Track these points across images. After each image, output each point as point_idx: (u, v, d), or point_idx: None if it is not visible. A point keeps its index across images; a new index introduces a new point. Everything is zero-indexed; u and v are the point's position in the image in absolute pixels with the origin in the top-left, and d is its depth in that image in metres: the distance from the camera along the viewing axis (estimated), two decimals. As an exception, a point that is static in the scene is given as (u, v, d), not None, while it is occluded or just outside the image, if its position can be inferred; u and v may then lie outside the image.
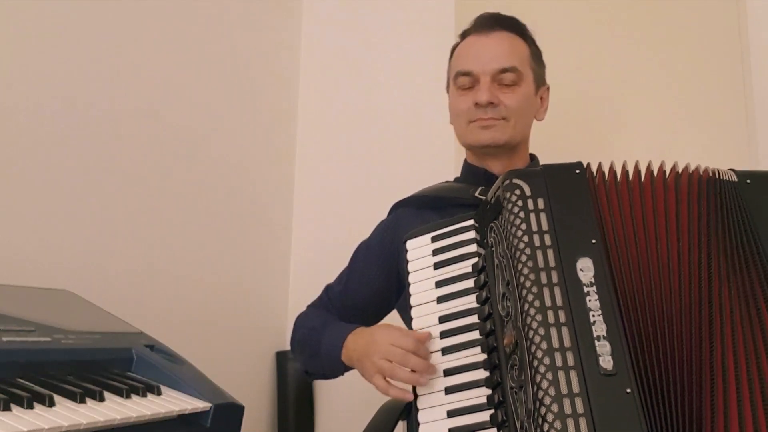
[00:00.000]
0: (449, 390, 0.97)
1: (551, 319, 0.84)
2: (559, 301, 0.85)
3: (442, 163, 2.06)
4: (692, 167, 0.99)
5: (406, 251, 1.11)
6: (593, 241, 0.89)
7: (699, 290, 0.89)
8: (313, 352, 1.24)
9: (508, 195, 0.94)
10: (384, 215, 1.38)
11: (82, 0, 1.52)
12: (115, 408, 0.80)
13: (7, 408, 0.71)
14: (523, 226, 0.91)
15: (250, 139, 2.10)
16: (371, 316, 1.33)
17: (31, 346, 0.86)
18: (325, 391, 2.13)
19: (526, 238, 0.90)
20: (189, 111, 1.84)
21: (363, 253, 1.35)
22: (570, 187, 0.94)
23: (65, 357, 0.89)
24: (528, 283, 0.86)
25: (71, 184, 1.47)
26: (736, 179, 0.98)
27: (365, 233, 1.37)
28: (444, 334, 1.01)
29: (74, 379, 0.86)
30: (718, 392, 0.82)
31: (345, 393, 2.07)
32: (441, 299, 1.03)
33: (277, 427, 2.08)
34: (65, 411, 0.75)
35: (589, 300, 0.85)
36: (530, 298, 0.86)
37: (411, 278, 1.08)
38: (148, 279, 1.65)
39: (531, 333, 0.83)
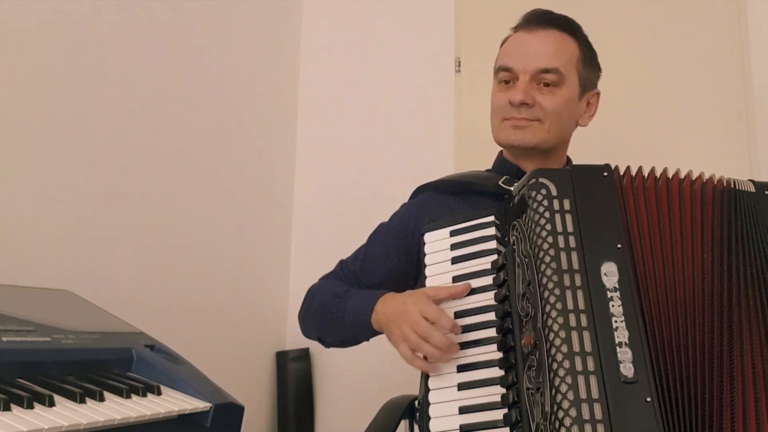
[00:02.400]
0: (462, 386, 0.96)
1: (573, 322, 0.83)
2: (581, 305, 0.84)
3: (441, 161, 2.06)
4: (707, 176, 0.97)
5: (424, 244, 1.10)
6: (618, 245, 0.88)
7: (721, 306, 0.88)
8: (335, 318, 1.21)
9: (533, 194, 0.93)
10: (383, 216, 1.37)
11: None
12: (115, 408, 0.80)
13: (7, 408, 0.71)
14: (548, 227, 0.89)
15: (251, 140, 2.10)
16: None
17: (31, 346, 0.85)
18: (326, 391, 2.13)
19: (550, 239, 0.89)
20: (189, 111, 1.84)
21: (382, 234, 1.31)
22: (597, 190, 0.93)
23: (65, 357, 0.89)
24: (550, 285, 0.86)
25: (71, 184, 1.47)
26: (753, 190, 0.97)
27: (365, 235, 1.37)
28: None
29: (74, 379, 0.86)
30: (737, 414, 0.81)
31: (345, 393, 2.07)
32: None
33: (277, 427, 2.07)
34: (65, 411, 0.75)
35: (612, 305, 0.84)
36: (552, 299, 0.85)
37: (428, 271, 1.07)
38: (148, 279, 1.64)
39: (551, 335, 0.83)
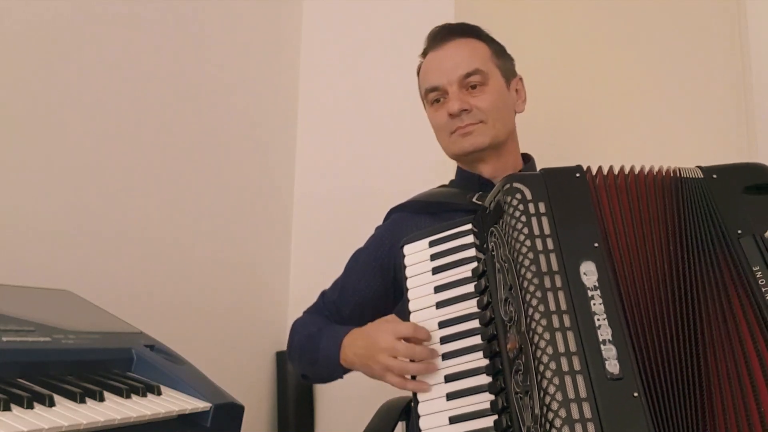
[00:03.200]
0: (451, 396, 0.96)
1: (556, 323, 0.83)
2: (563, 306, 0.85)
3: (440, 161, 2.05)
4: (656, 168, 0.99)
5: (404, 256, 1.10)
6: (595, 244, 0.90)
7: (686, 294, 0.89)
8: (311, 359, 1.23)
9: (508, 199, 0.94)
10: (383, 215, 1.37)
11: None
12: (115, 408, 0.80)
13: (7, 408, 0.71)
14: (525, 230, 0.90)
15: (251, 140, 2.10)
16: (367, 322, 1.32)
17: (31, 346, 0.85)
18: (326, 391, 2.13)
19: (528, 243, 0.89)
20: (189, 111, 1.84)
21: (359, 259, 1.33)
22: (570, 191, 0.94)
23: (65, 357, 0.89)
24: (532, 288, 0.86)
25: (71, 184, 1.47)
26: (701, 176, 0.99)
27: (365, 235, 1.37)
28: (444, 340, 1.01)
29: (74, 379, 0.86)
30: (706, 399, 0.82)
31: (345, 393, 2.07)
32: (440, 304, 1.03)
33: (277, 427, 2.08)
34: (65, 411, 0.75)
35: (594, 304, 0.85)
36: (534, 302, 0.85)
37: (409, 283, 1.08)
38: (148, 279, 1.64)
39: (536, 338, 0.83)
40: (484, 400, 0.93)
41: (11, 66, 1.35)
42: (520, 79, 1.34)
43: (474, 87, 1.24)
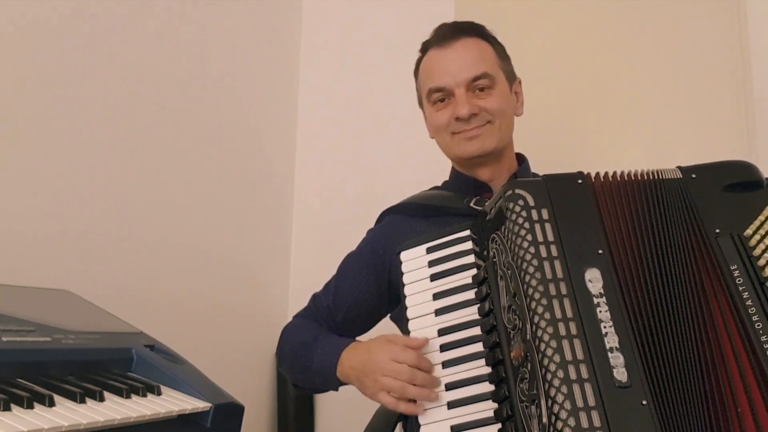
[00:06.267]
0: (452, 404, 0.95)
1: (563, 331, 0.83)
2: (569, 313, 0.84)
3: (440, 160, 2.05)
4: (640, 171, 0.98)
5: (401, 263, 1.09)
6: (600, 251, 0.89)
7: (671, 299, 0.88)
8: (303, 367, 1.21)
9: (511, 206, 0.93)
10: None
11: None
12: (115, 408, 0.80)
13: (7, 408, 0.71)
14: (529, 237, 0.90)
15: (251, 140, 2.10)
16: (360, 327, 1.30)
17: (31, 346, 0.85)
18: (325, 391, 2.13)
19: (532, 249, 0.89)
20: (189, 110, 1.84)
21: (353, 263, 1.31)
22: (573, 197, 0.94)
23: (65, 357, 0.89)
24: (537, 295, 0.86)
25: (71, 184, 1.47)
26: (680, 176, 0.98)
27: (365, 234, 1.37)
28: (444, 347, 1.00)
29: (74, 379, 0.86)
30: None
31: (345, 393, 2.07)
32: (439, 311, 1.02)
33: (277, 427, 2.08)
34: (65, 411, 0.75)
35: (600, 311, 0.85)
36: (540, 310, 0.85)
37: (407, 290, 1.06)
38: (148, 279, 1.64)
39: (542, 346, 0.83)
40: (486, 408, 0.92)
41: (11, 67, 1.35)
42: (519, 82, 1.32)
43: (482, 90, 1.21)
